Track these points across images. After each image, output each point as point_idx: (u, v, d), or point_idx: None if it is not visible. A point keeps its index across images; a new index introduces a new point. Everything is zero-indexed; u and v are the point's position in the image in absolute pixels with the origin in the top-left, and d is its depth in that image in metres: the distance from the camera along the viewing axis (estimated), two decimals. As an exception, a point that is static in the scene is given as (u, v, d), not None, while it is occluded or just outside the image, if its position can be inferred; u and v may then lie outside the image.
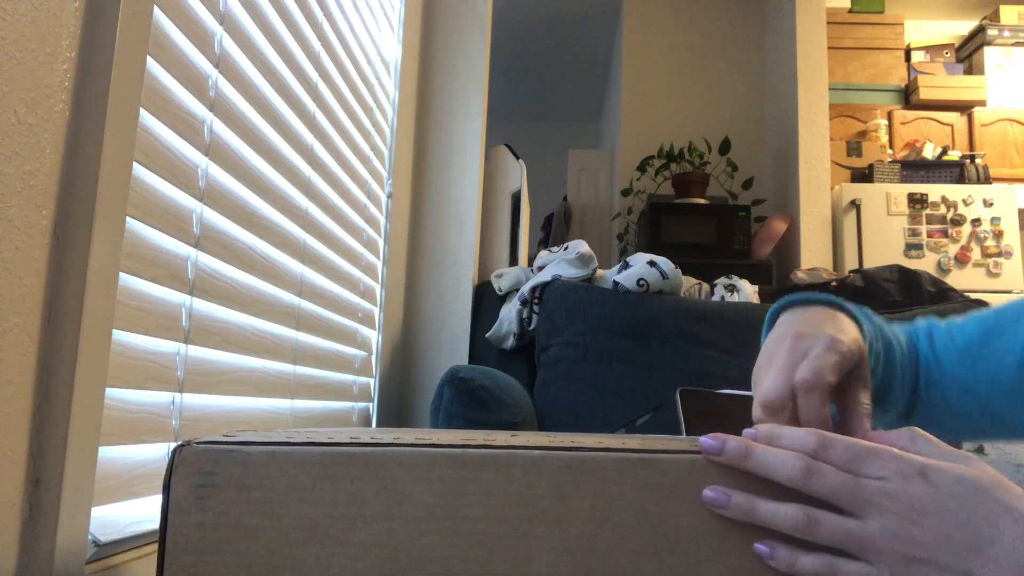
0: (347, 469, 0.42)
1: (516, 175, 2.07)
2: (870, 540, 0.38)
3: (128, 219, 0.62)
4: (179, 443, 0.42)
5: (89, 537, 0.57)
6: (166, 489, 0.41)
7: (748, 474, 0.42)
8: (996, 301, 1.22)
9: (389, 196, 1.60)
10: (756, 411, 0.49)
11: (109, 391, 0.60)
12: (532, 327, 1.66)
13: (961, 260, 3.19)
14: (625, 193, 3.70)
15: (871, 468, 0.40)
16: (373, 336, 1.53)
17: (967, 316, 0.63)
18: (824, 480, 0.40)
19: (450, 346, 1.74)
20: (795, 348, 0.50)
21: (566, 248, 1.72)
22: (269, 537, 0.41)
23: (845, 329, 0.52)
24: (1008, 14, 3.88)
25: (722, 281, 1.86)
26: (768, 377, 0.49)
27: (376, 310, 1.55)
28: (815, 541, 0.40)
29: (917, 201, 3.25)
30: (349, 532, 0.41)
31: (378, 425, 1.55)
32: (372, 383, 1.53)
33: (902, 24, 3.86)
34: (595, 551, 0.41)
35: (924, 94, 3.70)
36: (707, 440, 0.42)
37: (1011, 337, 0.57)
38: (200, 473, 0.41)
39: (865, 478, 0.40)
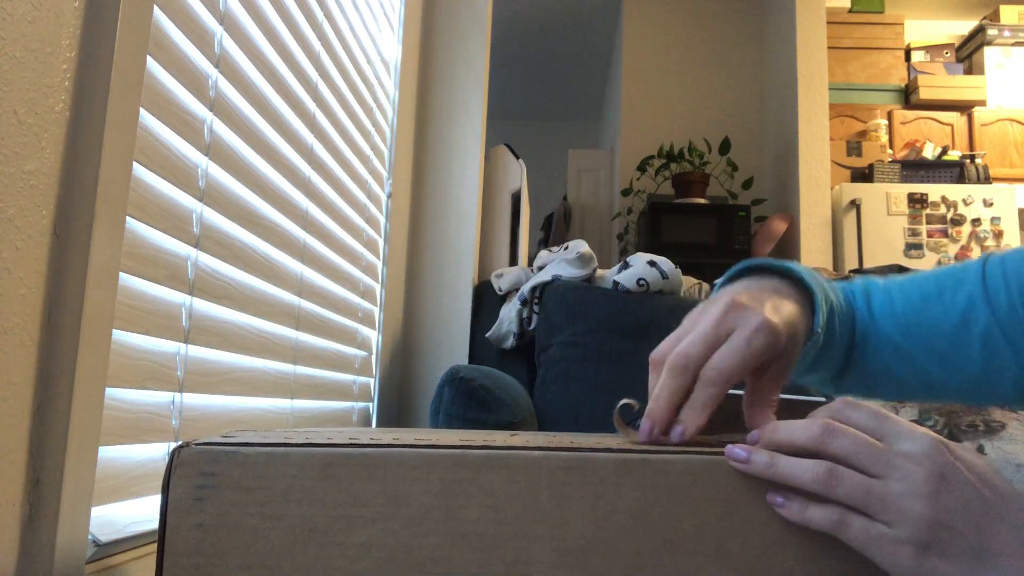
0: (346, 470, 0.42)
1: (516, 175, 2.07)
2: (892, 499, 0.38)
3: (128, 219, 0.62)
4: (178, 444, 0.42)
5: (89, 537, 0.57)
6: (165, 490, 0.41)
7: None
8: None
9: (389, 196, 1.60)
10: (654, 359, 0.49)
11: (109, 391, 0.60)
12: (532, 327, 1.66)
13: (961, 260, 3.19)
14: (625, 193, 3.70)
15: (887, 433, 0.40)
16: (373, 336, 1.53)
17: (908, 278, 0.62)
18: (845, 438, 0.40)
19: (450, 346, 1.74)
20: (723, 320, 0.48)
21: (566, 248, 1.72)
22: (268, 538, 0.41)
23: (784, 310, 0.50)
24: (1008, 14, 3.87)
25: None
26: (686, 339, 0.48)
27: (376, 310, 1.55)
28: (834, 497, 0.39)
29: (917, 201, 3.25)
30: (348, 533, 0.41)
31: (378, 425, 1.55)
32: (372, 383, 1.53)
33: (902, 24, 3.86)
34: (595, 552, 0.41)
35: (924, 94, 3.70)
36: (734, 449, 0.42)
37: (949, 303, 0.57)
38: (199, 474, 0.41)
39: (879, 439, 0.40)
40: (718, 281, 0.61)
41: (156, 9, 0.65)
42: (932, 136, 3.66)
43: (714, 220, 3.28)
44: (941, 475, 0.38)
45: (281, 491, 0.41)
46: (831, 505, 0.39)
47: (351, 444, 0.42)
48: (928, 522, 0.37)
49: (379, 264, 1.56)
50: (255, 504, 0.41)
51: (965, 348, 0.56)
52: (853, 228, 3.24)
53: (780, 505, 0.40)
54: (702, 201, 3.41)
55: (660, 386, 0.47)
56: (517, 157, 2.09)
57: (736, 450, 0.42)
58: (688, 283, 1.83)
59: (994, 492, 0.38)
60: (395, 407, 1.68)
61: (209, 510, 0.41)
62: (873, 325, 0.62)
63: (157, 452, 0.70)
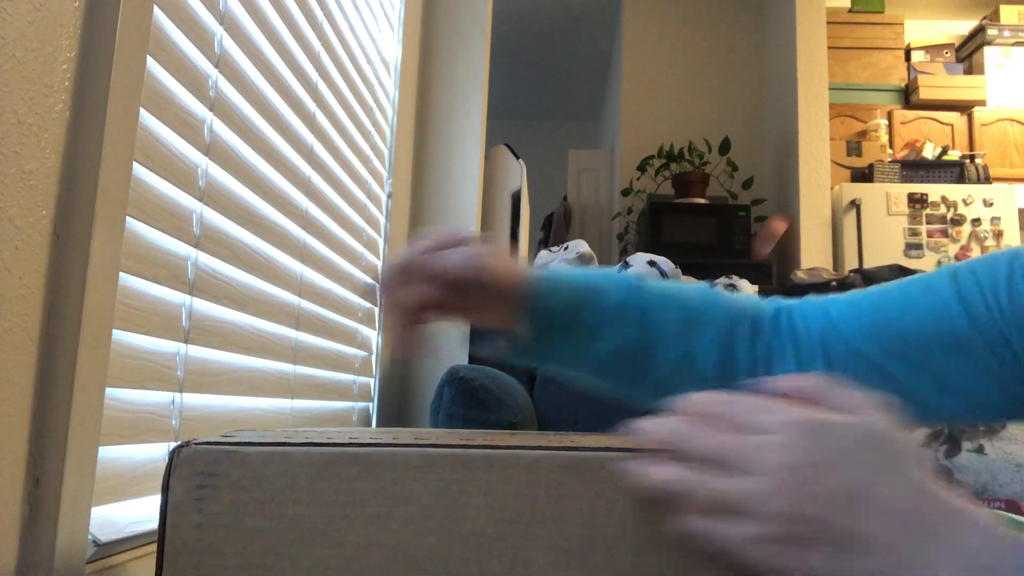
0: (346, 470, 0.42)
1: (516, 175, 2.07)
2: (756, 498, 0.36)
3: (128, 219, 0.62)
4: (178, 444, 0.42)
5: (89, 537, 0.57)
6: (165, 490, 0.41)
7: None
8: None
9: (389, 196, 1.60)
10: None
11: (109, 391, 0.60)
12: (532, 327, 1.66)
13: (961, 260, 3.19)
14: (625, 193, 3.70)
15: (758, 423, 0.38)
16: (373, 336, 1.53)
17: (865, 292, 0.60)
18: (708, 439, 0.38)
19: (450, 346, 1.74)
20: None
21: (566, 248, 1.73)
22: (268, 538, 0.41)
23: (505, 260, 0.56)
24: (1008, 14, 3.87)
25: (722, 281, 1.86)
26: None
27: (376, 310, 1.55)
28: (698, 501, 0.38)
29: (917, 201, 3.25)
30: (348, 533, 0.41)
31: (378, 425, 1.55)
32: (372, 383, 1.53)
33: (902, 24, 3.86)
34: (595, 552, 0.41)
35: (924, 94, 3.70)
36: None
37: (925, 315, 0.56)
38: (199, 474, 0.41)
39: (752, 434, 0.38)
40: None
41: (156, 9, 0.65)
42: (932, 136, 3.66)
43: (714, 220, 3.28)
44: (803, 464, 0.36)
45: (281, 491, 0.41)
46: (705, 514, 0.38)
47: (350, 444, 0.42)
48: (787, 517, 0.35)
49: (379, 264, 1.56)
50: (255, 504, 0.41)
51: (950, 361, 0.55)
52: (853, 228, 3.25)
53: (627, 470, 0.40)
54: (702, 201, 3.41)
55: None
56: (517, 157, 2.09)
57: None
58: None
59: (867, 470, 0.36)
60: (395, 407, 1.68)
61: (209, 510, 0.41)
62: (837, 334, 0.59)
63: (157, 452, 0.70)
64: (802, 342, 0.60)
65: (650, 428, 0.41)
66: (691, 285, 0.64)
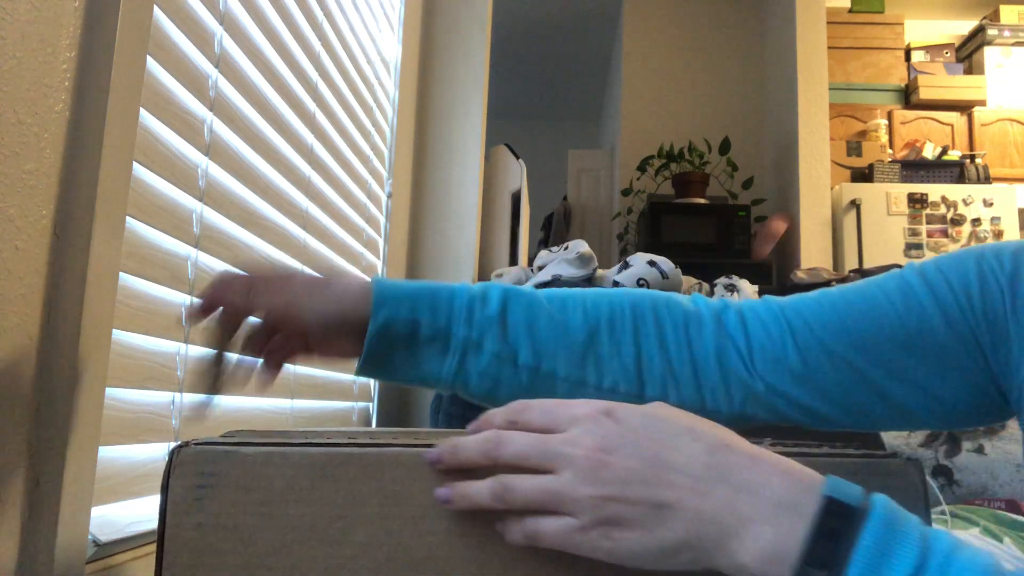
0: (345, 470, 0.42)
1: (516, 175, 2.07)
2: (565, 491, 0.38)
3: (128, 219, 0.62)
4: (178, 443, 0.42)
5: (89, 537, 0.57)
6: (164, 490, 0.41)
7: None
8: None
9: (389, 196, 1.60)
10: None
11: (109, 391, 0.60)
12: (532, 327, 1.66)
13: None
14: (625, 193, 3.70)
15: (559, 422, 0.40)
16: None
17: (838, 289, 0.59)
18: (513, 446, 0.40)
19: (450, 346, 1.74)
20: None
21: (566, 248, 1.72)
22: (267, 538, 0.41)
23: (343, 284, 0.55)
24: (1008, 14, 3.87)
25: (722, 281, 1.86)
26: None
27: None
28: (516, 508, 0.39)
29: (917, 201, 3.25)
30: (347, 532, 0.41)
31: (378, 425, 1.55)
32: (372, 383, 1.53)
33: (902, 24, 3.85)
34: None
35: (924, 94, 3.70)
36: (429, 452, 0.42)
37: (903, 315, 0.55)
38: (198, 474, 0.41)
39: (554, 432, 0.40)
40: None
41: (156, 9, 0.65)
42: (932, 136, 3.66)
43: (714, 220, 3.27)
44: (601, 450, 0.38)
45: (280, 491, 0.41)
46: (522, 516, 0.39)
47: (349, 444, 0.42)
48: (599, 501, 0.37)
49: (379, 264, 1.56)
50: (254, 504, 0.41)
51: (924, 361, 0.55)
52: (853, 228, 3.24)
53: (447, 500, 0.40)
54: (702, 201, 3.41)
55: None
56: (517, 157, 2.09)
57: (431, 453, 0.42)
58: (688, 283, 1.83)
59: (660, 443, 0.38)
60: (395, 407, 1.68)
61: (208, 510, 0.41)
62: (813, 335, 0.57)
63: (157, 452, 0.70)
64: (759, 340, 0.58)
65: (468, 444, 0.41)
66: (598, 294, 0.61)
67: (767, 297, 0.62)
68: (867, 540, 0.32)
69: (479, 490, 0.40)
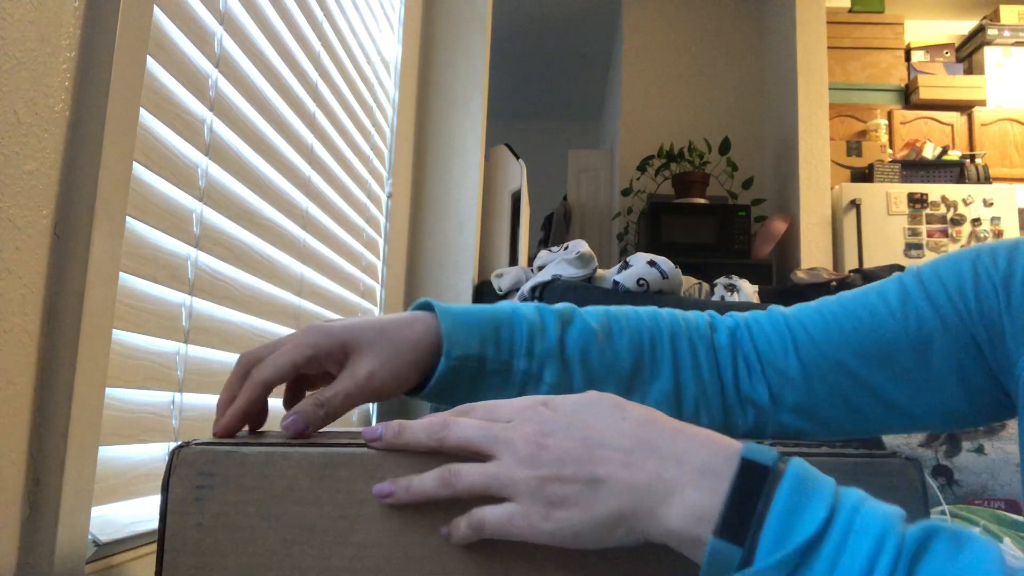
0: (345, 470, 0.42)
1: (516, 175, 2.07)
2: (506, 475, 0.39)
3: (128, 219, 0.62)
4: (178, 444, 0.42)
5: (89, 537, 0.57)
6: (164, 490, 0.41)
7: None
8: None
9: (389, 196, 1.60)
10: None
11: (109, 391, 0.60)
12: (532, 327, 1.66)
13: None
14: (625, 193, 3.70)
15: (501, 414, 0.42)
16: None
17: (836, 299, 0.60)
18: (459, 430, 0.41)
19: (450, 346, 1.74)
20: (287, 337, 0.52)
21: (566, 248, 1.72)
22: (267, 538, 0.41)
23: (333, 328, 0.52)
24: (1008, 14, 3.87)
25: (722, 281, 1.86)
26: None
27: (376, 310, 1.55)
28: (462, 494, 0.40)
29: (917, 201, 3.25)
30: (348, 533, 0.41)
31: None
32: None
33: (902, 24, 3.85)
34: (596, 550, 0.41)
35: (924, 94, 3.70)
36: (369, 429, 0.43)
37: (900, 321, 0.56)
38: (199, 474, 0.41)
39: (498, 422, 0.42)
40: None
41: (156, 9, 0.65)
42: (932, 136, 3.66)
43: (714, 220, 3.28)
44: (538, 433, 0.40)
45: (280, 491, 0.41)
46: (465, 508, 0.40)
47: (350, 444, 0.43)
48: (538, 482, 0.38)
49: (379, 264, 1.57)
50: (254, 504, 0.41)
51: (925, 365, 0.55)
52: (853, 228, 3.24)
53: (388, 494, 0.41)
54: (702, 201, 3.41)
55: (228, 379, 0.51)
56: (517, 157, 2.09)
57: (370, 431, 0.43)
58: (688, 283, 1.83)
59: (591, 425, 0.40)
60: (395, 407, 1.68)
61: (208, 510, 0.41)
62: (816, 348, 0.59)
63: (157, 452, 0.70)
64: (766, 355, 0.60)
65: (416, 427, 0.42)
66: (630, 314, 0.62)
67: (772, 308, 0.63)
68: (782, 497, 0.34)
69: (423, 479, 0.41)
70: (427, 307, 0.57)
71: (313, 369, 0.52)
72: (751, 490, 0.35)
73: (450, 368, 0.54)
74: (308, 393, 0.57)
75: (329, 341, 0.51)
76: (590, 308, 0.61)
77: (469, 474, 0.40)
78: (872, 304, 0.58)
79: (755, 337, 0.61)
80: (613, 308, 0.62)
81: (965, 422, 0.58)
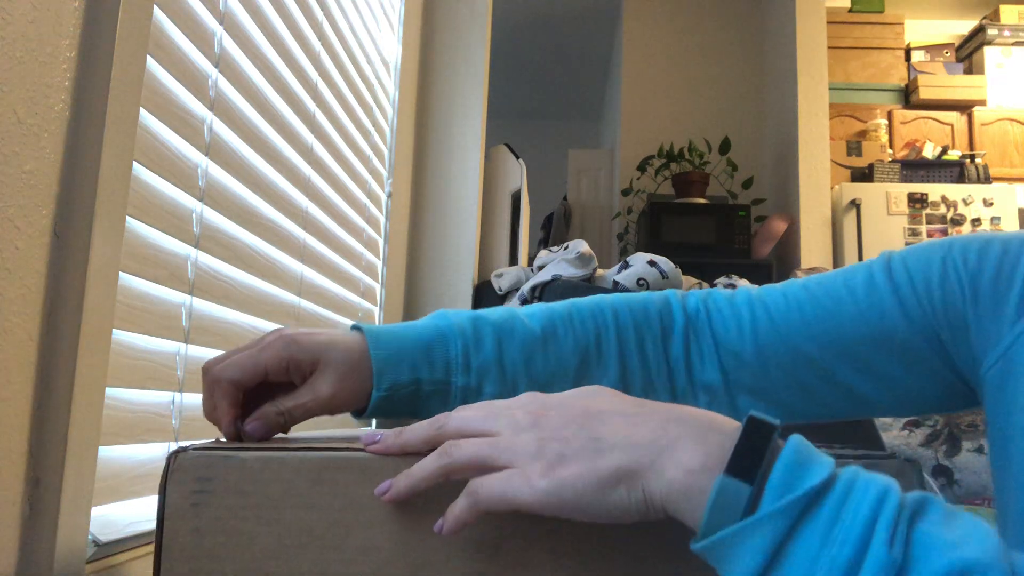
0: (343, 474, 0.42)
1: (516, 175, 2.07)
2: (505, 442, 0.39)
3: (128, 219, 0.62)
4: (175, 448, 0.42)
5: (89, 537, 0.57)
6: (162, 494, 0.41)
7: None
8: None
9: (389, 196, 1.60)
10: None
11: (109, 391, 0.60)
12: (532, 327, 1.66)
13: (961, 260, 3.18)
14: (625, 193, 3.70)
15: (500, 404, 0.43)
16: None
17: (802, 283, 0.60)
18: (459, 414, 0.42)
19: (450, 346, 1.74)
20: (259, 340, 0.51)
21: (566, 248, 1.72)
22: (265, 543, 0.41)
23: (317, 337, 0.52)
24: (1008, 14, 3.87)
25: (722, 281, 1.86)
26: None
27: (376, 310, 1.55)
28: (459, 464, 0.40)
29: (917, 201, 3.25)
30: (345, 537, 0.41)
31: (377, 427, 1.55)
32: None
33: (902, 24, 3.85)
34: (597, 554, 0.41)
35: (924, 94, 3.70)
36: (367, 435, 0.44)
37: (864, 309, 0.56)
38: (196, 479, 0.41)
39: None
40: None
41: (156, 9, 0.65)
42: (932, 136, 3.66)
43: (714, 220, 3.27)
44: (539, 406, 0.41)
45: (277, 496, 0.41)
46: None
47: (348, 448, 0.42)
48: (538, 442, 0.39)
49: (379, 264, 1.56)
50: (251, 509, 0.41)
51: (889, 358, 0.56)
52: (853, 228, 3.24)
53: (387, 491, 0.41)
54: (702, 201, 3.41)
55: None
56: (517, 157, 2.09)
57: (369, 438, 0.44)
58: (688, 283, 1.83)
59: (589, 404, 0.41)
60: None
61: (206, 515, 0.41)
62: (777, 333, 0.59)
63: (157, 452, 0.70)
64: (722, 337, 0.60)
65: (415, 427, 0.43)
66: (569, 306, 0.62)
67: (740, 289, 0.63)
68: (788, 452, 0.35)
69: (422, 461, 0.41)
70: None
71: (280, 377, 0.52)
72: (758, 444, 0.36)
73: (384, 398, 0.54)
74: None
75: (303, 355, 0.51)
76: (533, 308, 0.61)
77: (468, 444, 0.40)
78: (837, 292, 0.58)
79: (712, 319, 0.61)
80: (557, 305, 0.61)
81: (927, 409, 0.58)
